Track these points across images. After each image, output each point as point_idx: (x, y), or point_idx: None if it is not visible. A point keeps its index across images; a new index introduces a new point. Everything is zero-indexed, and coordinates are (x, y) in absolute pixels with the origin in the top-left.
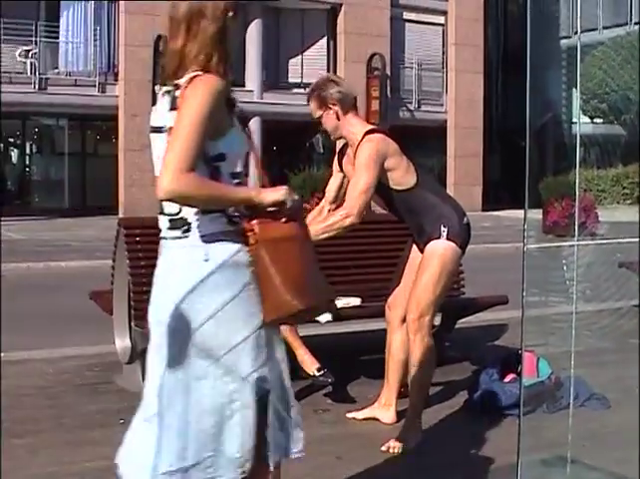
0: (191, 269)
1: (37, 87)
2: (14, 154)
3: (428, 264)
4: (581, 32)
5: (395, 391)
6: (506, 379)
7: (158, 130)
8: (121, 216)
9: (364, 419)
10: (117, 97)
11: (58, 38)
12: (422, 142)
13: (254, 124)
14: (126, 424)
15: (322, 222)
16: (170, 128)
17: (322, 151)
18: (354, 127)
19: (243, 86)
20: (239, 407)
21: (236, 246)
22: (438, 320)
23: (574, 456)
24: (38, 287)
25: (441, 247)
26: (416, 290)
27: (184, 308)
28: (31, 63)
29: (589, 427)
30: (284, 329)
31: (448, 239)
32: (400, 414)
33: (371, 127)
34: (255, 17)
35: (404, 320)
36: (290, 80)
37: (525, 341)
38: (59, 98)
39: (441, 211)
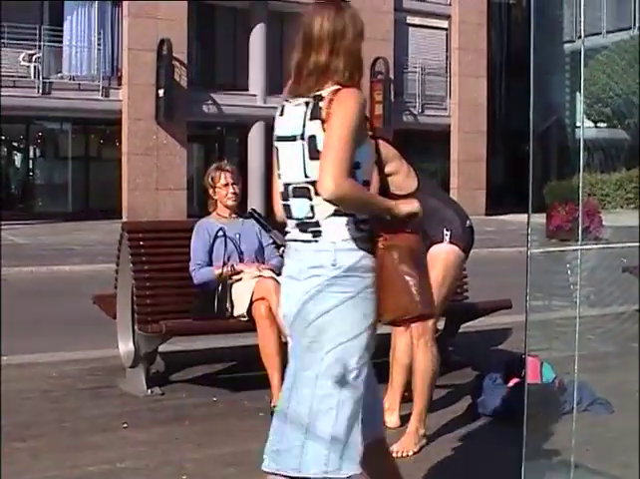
0: (319, 273)
1: (41, 91)
2: (17, 158)
3: (431, 269)
4: (585, 36)
5: (398, 395)
6: (510, 384)
7: (290, 138)
8: (124, 220)
9: None
10: (120, 101)
11: (61, 42)
12: (425, 146)
13: (258, 128)
14: (129, 428)
15: None
16: (311, 136)
17: None
18: None
19: (247, 90)
20: (335, 402)
21: (361, 253)
22: (441, 325)
23: (578, 460)
24: (41, 292)
25: (444, 251)
26: None
27: (309, 307)
28: (34, 67)
29: (593, 432)
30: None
31: (450, 242)
32: (403, 418)
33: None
34: (259, 21)
35: (408, 325)
36: None
37: (529, 346)
38: (62, 102)
39: (443, 214)
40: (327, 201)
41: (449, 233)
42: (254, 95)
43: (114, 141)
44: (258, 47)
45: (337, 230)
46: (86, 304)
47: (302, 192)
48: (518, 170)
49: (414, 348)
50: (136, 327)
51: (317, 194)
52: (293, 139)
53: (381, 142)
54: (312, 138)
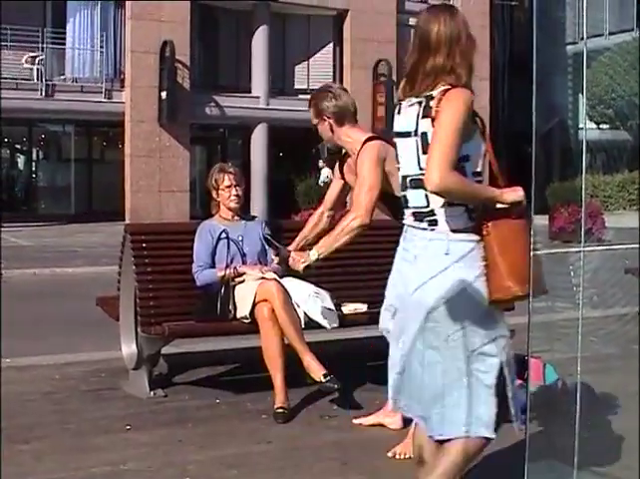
0: (434, 260)
1: (43, 93)
2: (20, 160)
3: None
4: (587, 38)
5: None
6: None
7: (406, 134)
8: (127, 222)
9: (370, 425)
10: (123, 103)
11: (64, 44)
12: None
13: (260, 130)
14: (132, 430)
15: (333, 230)
16: (423, 133)
17: (327, 157)
18: (351, 137)
19: (249, 92)
20: (465, 378)
21: (472, 244)
22: None
23: (581, 462)
24: (44, 293)
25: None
26: None
27: (425, 292)
28: (37, 69)
29: (596, 433)
30: (290, 336)
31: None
32: (406, 420)
33: (370, 134)
34: (262, 23)
35: None
36: (296, 86)
37: (532, 347)
38: (65, 104)
39: None
40: (434, 193)
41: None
42: (257, 97)
43: (116, 143)
44: (261, 49)
45: (451, 219)
46: (89, 306)
47: (418, 183)
48: (521, 171)
49: None
50: (138, 329)
51: None
52: (408, 135)
53: (381, 142)
54: (424, 134)
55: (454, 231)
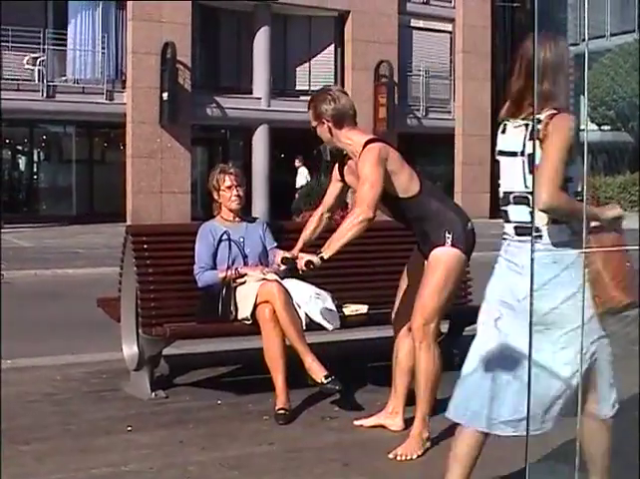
0: (542, 269)
1: (45, 94)
2: (22, 161)
3: (433, 272)
4: (589, 39)
5: (402, 399)
6: None
7: (511, 154)
8: (128, 223)
9: (371, 427)
10: (124, 104)
11: (66, 45)
12: (429, 149)
13: (262, 131)
14: (133, 431)
15: (339, 228)
16: (530, 154)
17: (329, 158)
18: (351, 139)
19: (251, 93)
20: (573, 376)
21: (576, 256)
22: (445, 328)
23: (582, 464)
24: (46, 295)
25: (445, 254)
26: (421, 298)
27: (535, 299)
28: (39, 70)
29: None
30: (291, 337)
31: (452, 245)
32: (407, 421)
33: (371, 137)
34: (263, 24)
35: (410, 328)
36: (298, 87)
37: (533, 349)
38: (67, 105)
39: (444, 217)
40: (542, 211)
41: (450, 235)
42: (258, 98)
43: (118, 144)
44: (262, 50)
45: (556, 233)
46: (90, 308)
47: (522, 200)
48: None
49: (416, 352)
50: (140, 331)
51: None
52: (514, 154)
53: (382, 144)
54: (531, 155)
55: (556, 244)
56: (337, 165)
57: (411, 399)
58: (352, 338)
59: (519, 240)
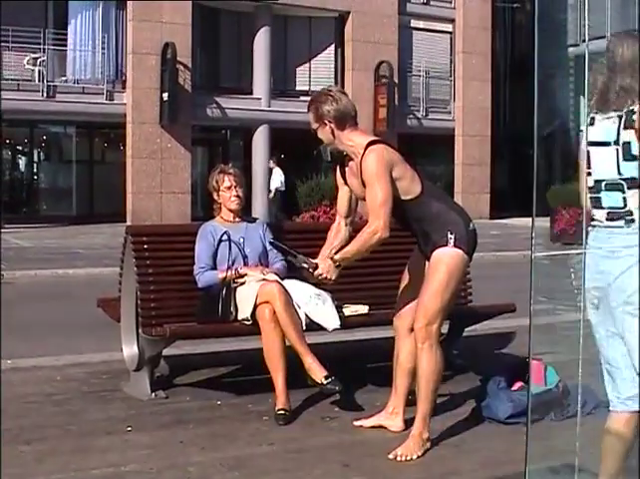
0: (632, 253)
1: (45, 95)
2: (22, 161)
3: (435, 272)
4: (589, 40)
5: (403, 399)
6: (514, 387)
7: (603, 144)
8: (128, 223)
9: (371, 427)
10: (124, 105)
11: (66, 46)
12: (429, 150)
13: (262, 132)
14: (133, 432)
15: (354, 242)
16: (625, 142)
17: (330, 159)
18: (353, 140)
19: (251, 93)
20: None
21: None
22: (446, 328)
23: (582, 464)
24: (46, 295)
25: (447, 255)
26: (423, 299)
27: (625, 280)
28: (39, 71)
29: (597, 435)
30: (291, 337)
31: (455, 245)
32: (407, 422)
33: (373, 138)
34: (263, 25)
35: (412, 329)
36: (298, 87)
37: (533, 349)
38: (67, 106)
39: (447, 218)
40: None
41: (452, 236)
42: (258, 98)
43: (118, 144)
44: (262, 50)
45: None
46: (90, 308)
47: (615, 186)
48: (522, 173)
49: (418, 352)
50: (140, 331)
51: (629, 188)
52: (606, 144)
53: (384, 146)
54: (626, 144)
55: None
56: (338, 168)
57: (411, 400)
58: (352, 339)
59: (610, 226)
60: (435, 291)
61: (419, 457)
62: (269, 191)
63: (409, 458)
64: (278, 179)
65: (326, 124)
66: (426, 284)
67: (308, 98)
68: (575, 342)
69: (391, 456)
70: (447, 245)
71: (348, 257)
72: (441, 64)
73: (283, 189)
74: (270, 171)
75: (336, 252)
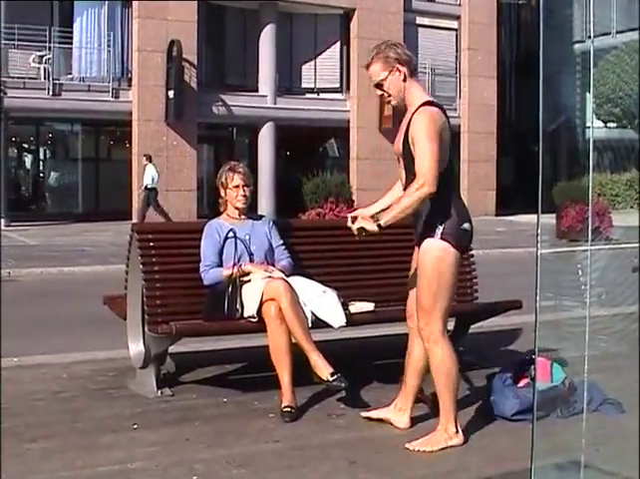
0: None
1: (51, 92)
2: (28, 159)
3: (422, 267)
4: (595, 36)
5: (411, 397)
6: (520, 384)
7: None
8: (134, 221)
9: (377, 420)
10: (130, 102)
11: (71, 44)
12: None
13: (268, 129)
14: (139, 429)
15: (401, 198)
16: None
17: (338, 154)
18: (414, 93)
19: (257, 91)
20: None
21: None
22: (452, 325)
23: (588, 461)
24: (52, 292)
25: (433, 248)
26: (419, 298)
27: None
28: (45, 69)
29: (603, 432)
30: (297, 335)
31: (441, 238)
32: (415, 420)
33: (430, 98)
34: (269, 22)
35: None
36: (303, 85)
37: (539, 346)
38: (72, 103)
39: (443, 209)
40: None
41: (442, 227)
42: (264, 96)
43: (124, 142)
44: (268, 48)
45: None
46: (96, 305)
47: None
48: (528, 170)
49: (427, 351)
50: (146, 328)
51: None
52: None
53: (438, 110)
54: None
55: None
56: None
57: (419, 398)
58: (358, 336)
59: None
60: (425, 290)
61: (440, 450)
62: (141, 187)
63: (427, 450)
64: (150, 175)
65: (399, 69)
66: (418, 282)
67: (314, 95)
68: (581, 339)
69: (409, 446)
70: (434, 237)
71: (395, 215)
72: (446, 61)
73: (155, 186)
74: (144, 167)
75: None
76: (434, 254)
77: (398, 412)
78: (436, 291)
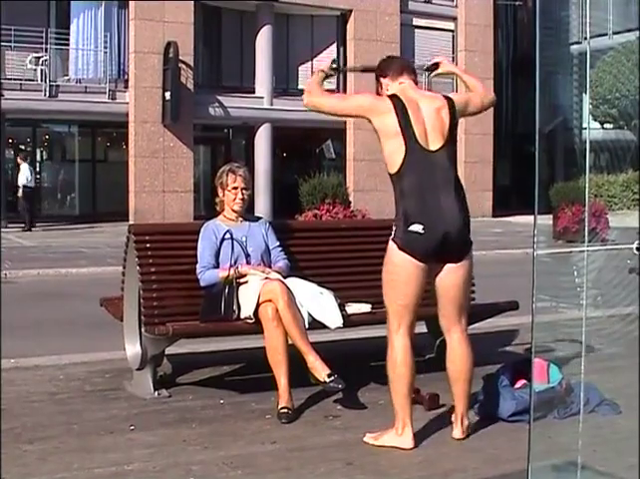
0: None
1: (47, 94)
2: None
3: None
4: (592, 37)
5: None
6: (517, 385)
7: None
8: (131, 222)
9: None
10: (127, 104)
11: (68, 45)
12: None
13: (264, 130)
14: (136, 431)
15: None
16: None
17: (334, 156)
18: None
19: (253, 92)
20: None
21: None
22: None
23: (585, 462)
24: (49, 294)
25: (388, 249)
26: None
27: None
28: (41, 70)
29: (600, 433)
30: (294, 336)
31: (392, 239)
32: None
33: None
34: (265, 23)
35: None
36: (300, 86)
37: (536, 347)
38: (69, 105)
39: (397, 209)
40: None
41: (394, 228)
42: (261, 97)
43: (120, 143)
44: (265, 49)
45: None
46: (93, 307)
47: None
48: (525, 171)
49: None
50: (142, 330)
51: None
52: None
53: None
54: None
55: None
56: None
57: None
58: (355, 337)
59: None
60: (384, 293)
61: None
62: (17, 187)
63: (369, 442)
64: (24, 175)
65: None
66: None
67: None
68: (578, 340)
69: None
70: (391, 238)
71: (461, 74)
72: None
73: (32, 185)
74: (18, 167)
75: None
76: (386, 258)
77: (400, 434)
78: (384, 291)
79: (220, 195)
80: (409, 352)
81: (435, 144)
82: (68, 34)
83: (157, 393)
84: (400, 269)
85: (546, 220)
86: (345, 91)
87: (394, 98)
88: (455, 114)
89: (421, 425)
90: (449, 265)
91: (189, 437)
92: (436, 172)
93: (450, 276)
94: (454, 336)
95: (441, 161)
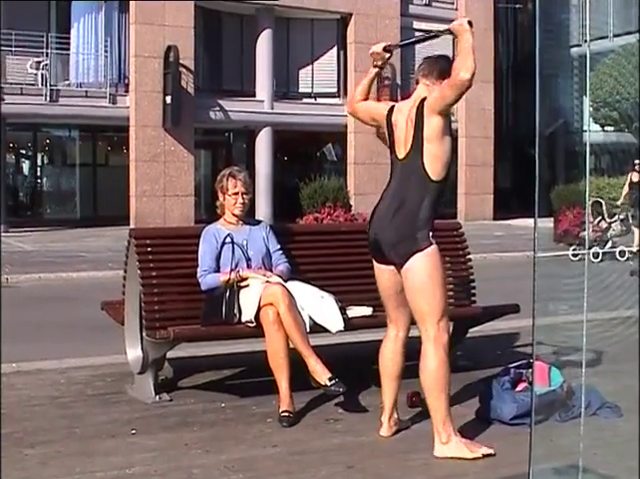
0: None
1: (48, 98)
2: (25, 165)
3: None
4: (592, 40)
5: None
6: (518, 388)
7: None
8: (132, 226)
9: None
10: (127, 108)
11: (69, 49)
12: None
13: (265, 134)
14: (138, 434)
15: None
16: None
17: (335, 159)
18: None
19: (254, 96)
20: None
21: None
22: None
23: (586, 465)
24: (49, 298)
25: None
26: None
27: None
28: (42, 74)
29: (601, 436)
30: (295, 339)
31: None
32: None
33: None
34: (266, 27)
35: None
36: (300, 90)
37: (537, 350)
38: (70, 109)
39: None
40: None
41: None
42: (261, 101)
43: (121, 148)
44: (265, 53)
45: None
46: (94, 311)
47: None
48: (525, 174)
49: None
50: (144, 334)
51: None
52: None
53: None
54: None
55: None
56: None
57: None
58: (356, 341)
59: None
60: None
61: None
62: None
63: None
64: None
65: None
66: None
67: (311, 100)
68: (579, 343)
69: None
70: None
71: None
72: None
73: None
74: None
75: None
76: None
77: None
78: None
79: (221, 199)
80: (387, 345)
81: (401, 152)
82: (68, 38)
83: (158, 397)
84: (377, 274)
85: (547, 222)
86: (345, 91)
87: (389, 109)
88: (420, 115)
89: (422, 428)
90: (402, 270)
91: (191, 441)
92: (397, 180)
93: (404, 281)
94: (422, 337)
95: (403, 169)
